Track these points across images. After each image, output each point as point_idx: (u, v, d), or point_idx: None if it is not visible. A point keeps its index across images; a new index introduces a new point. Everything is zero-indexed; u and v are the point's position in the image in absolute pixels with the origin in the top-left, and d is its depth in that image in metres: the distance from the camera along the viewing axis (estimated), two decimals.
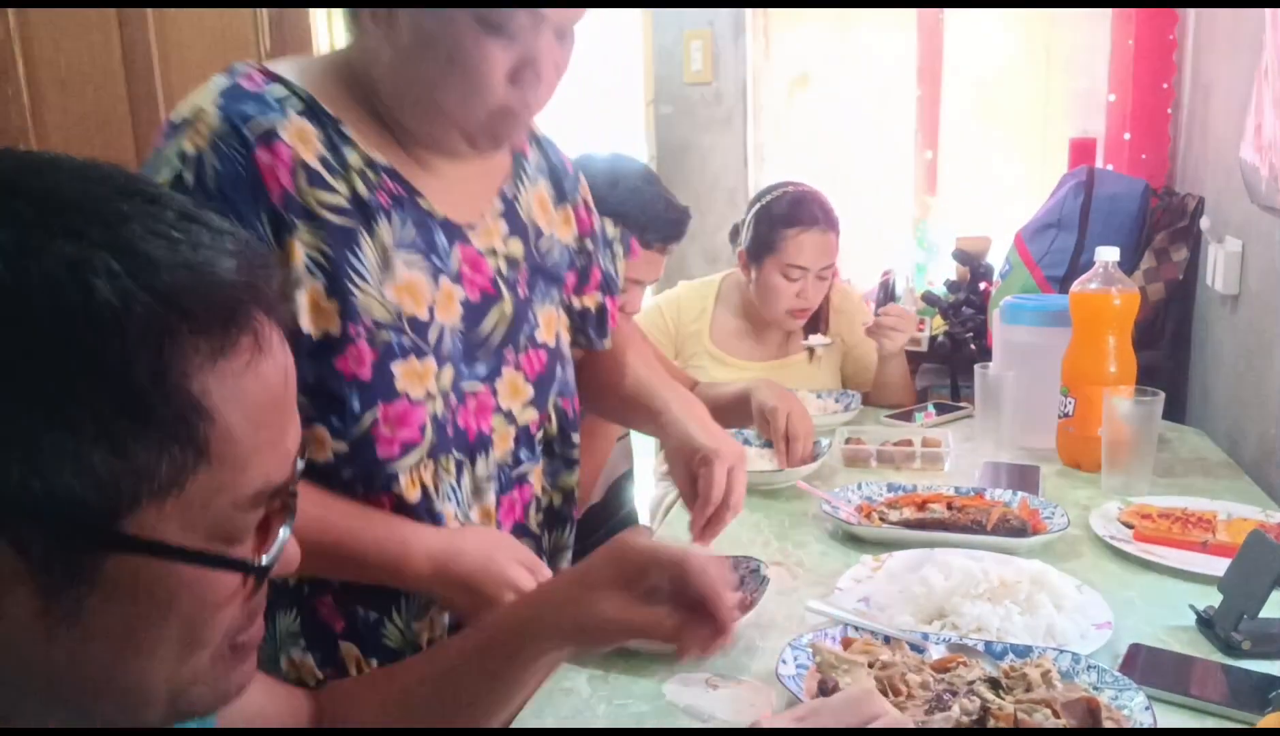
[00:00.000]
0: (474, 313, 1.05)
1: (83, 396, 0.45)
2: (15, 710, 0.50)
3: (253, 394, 0.51)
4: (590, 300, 1.24)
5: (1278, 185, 1.61)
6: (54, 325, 0.45)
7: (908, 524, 1.39)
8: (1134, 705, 0.90)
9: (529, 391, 1.11)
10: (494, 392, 1.08)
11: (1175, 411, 2.18)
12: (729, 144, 3.08)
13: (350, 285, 0.94)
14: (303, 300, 0.92)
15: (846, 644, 1.03)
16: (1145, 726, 0.88)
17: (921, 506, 1.44)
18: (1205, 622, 1.10)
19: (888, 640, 1.03)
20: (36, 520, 0.45)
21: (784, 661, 0.98)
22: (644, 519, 2.04)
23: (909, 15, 2.95)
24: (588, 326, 1.25)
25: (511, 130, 1.01)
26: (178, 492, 0.48)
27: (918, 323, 2.10)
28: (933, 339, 2.61)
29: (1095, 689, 0.93)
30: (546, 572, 1.05)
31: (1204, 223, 2.18)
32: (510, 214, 1.10)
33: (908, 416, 2.03)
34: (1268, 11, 1.67)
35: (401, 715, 0.80)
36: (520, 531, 1.14)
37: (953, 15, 2.92)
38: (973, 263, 2.67)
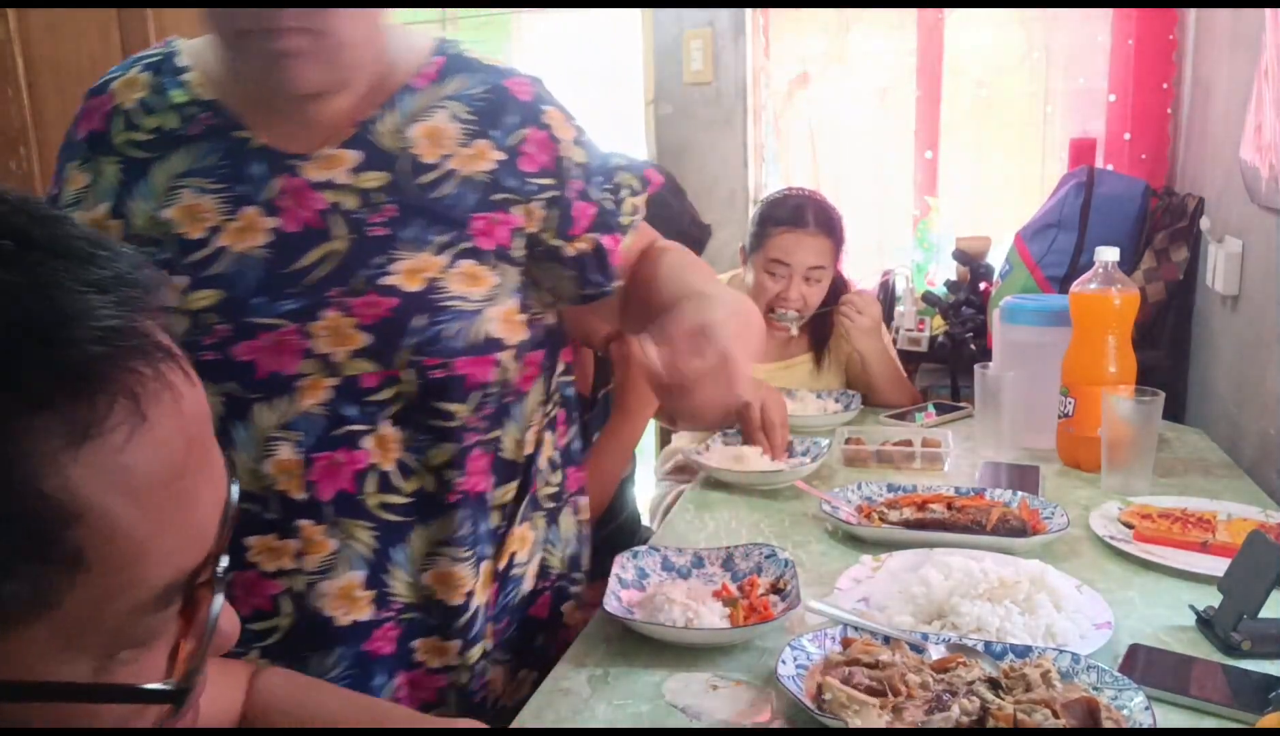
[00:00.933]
0: (288, 244, 0.98)
1: None
2: None
3: (140, 471, 0.39)
4: (585, 243, 1.09)
5: (1278, 185, 1.61)
6: None
7: (907, 524, 1.39)
8: (1134, 705, 0.90)
9: (361, 339, 0.97)
10: (304, 333, 0.97)
11: (1175, 411, 2.18)
12: (729, 144, 3.08)
13: (128, 205, 1.00)
14: (86, 218, 1.00)
15: (846, 643, 1.03)
16: (1145, 726, 0.88)
17: (921, 506, 1.43)
18: (1205, 622, 1.10)
19: (887, 640, 1.03)
20: None
21: (784, 661, 0.98)
22: (644, 519, 2.04)
23: (909, 15, 2.94)
24: (588, 271, 1.11)
25: (274, 47, 0.91)
26: (45, 614, 0.38)
27: (874, 302, 2.11)
28: (933, 339, 2.61)
29: (1095, 689, 0.93)
30: None
31: (1204, 223, 2.18)
32: (366, 144, 1.01)
33: (908, 416, 2.04)
34: (1268, 11, 1.67)
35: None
36: (351, 505, 1.00)
37: (953, 15, 2.92)
38: (973, 263, 2.67)
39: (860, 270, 3.10)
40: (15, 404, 0.36)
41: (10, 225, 0.39)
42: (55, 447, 0.37)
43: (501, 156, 1.04)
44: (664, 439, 2.40)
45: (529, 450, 1.12)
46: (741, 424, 1.71)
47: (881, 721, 0.89)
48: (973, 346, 2.54)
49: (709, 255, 2.90)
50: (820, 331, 2.16)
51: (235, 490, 0.48)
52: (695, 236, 1.66)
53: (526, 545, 1.15)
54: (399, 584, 1.03)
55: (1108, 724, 0.87)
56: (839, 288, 2.17)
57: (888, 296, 2.78)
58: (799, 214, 2.05)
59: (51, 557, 0.37)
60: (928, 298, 2.66)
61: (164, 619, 0.43)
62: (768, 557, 1.26)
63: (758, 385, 1.73)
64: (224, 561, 0.45)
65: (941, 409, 2.07)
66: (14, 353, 0.36)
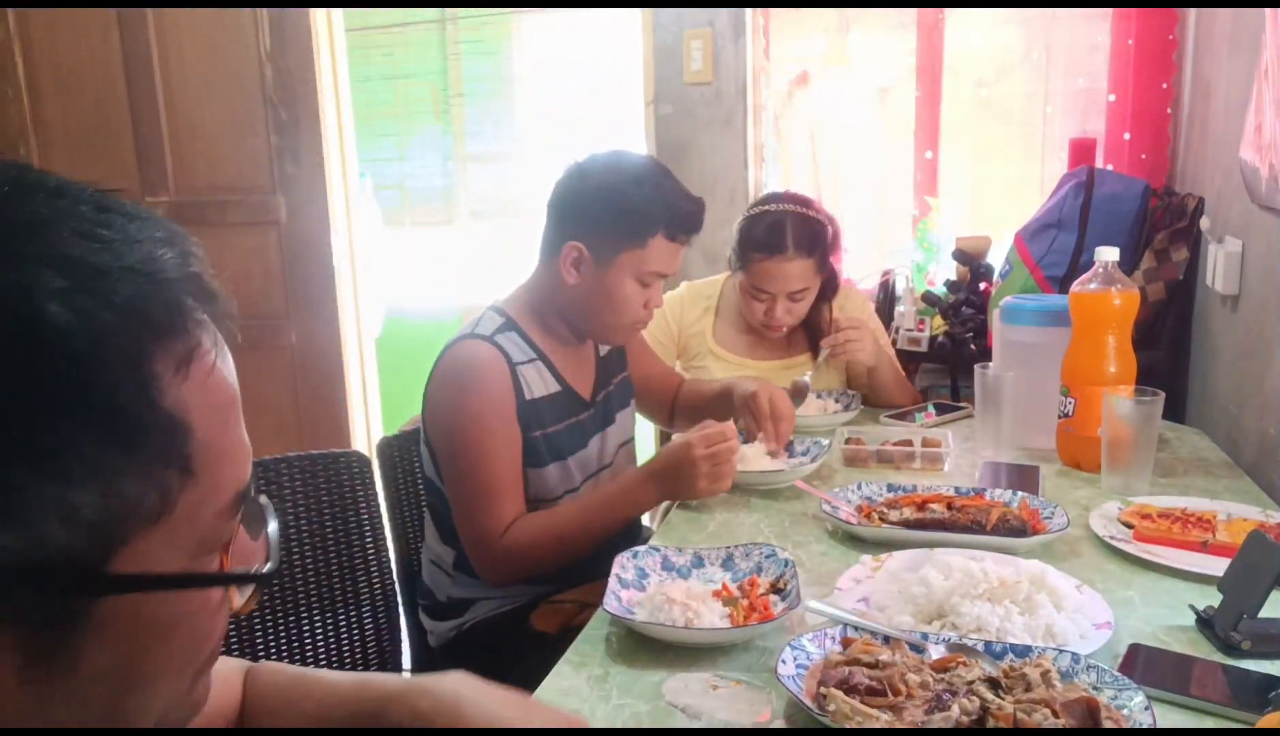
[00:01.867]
0: None
1: (64, 436, 0.40)
2: None
3: (218, 395, 0.47)
4: None
5: (1278, 185, 1.61)
6: (19, 360, 0.40)
7: (907, 524, 1.39)
8: (1134, 705, 0.90)
9: None
10: None
11: (1175, 411, 2.18)
12: (729, 144, 3.08)
13: None
14: None
15: (846, 643, 1.03)
16: (1145, 726, 0.88)
17: (921, 506, 1.44)
18: (1205, 622, 1.10)
19: (887, 640, 1.03)
20: (20, 578, 0.41)
21: (784, 661, 0.98)
22: (644, 519, 2.04)
23: (909, 15, 2.94)
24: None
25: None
26: (166, 516, 0.45)
27: (862, 323, 2.07)
28: (933, 339, 2.61)
29: (1095, 689, 0.93)
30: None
31: (1204, 223, 2.18)
32: None
33: (908, 416, 2.04)
34: (1268, 11, 1.67)
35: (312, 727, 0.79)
36: None
37: (953, 15, 2.92)
38: (973, 263, 2.67)
39: (860, 270, 3.10)
40: (145, 334, 0.43)
41: (88, 194, 0.45)
42: (169, 371, 0.44)
43: None
44: (663, 439, 2.40)
45: None
46: (750, 414, 1.72)
47: (882, 722, 0.89)
48: (973, 346, 2.54)
49: (710, 255, 2.91)
50: (814, 329, 2.16)
51: None
52: (692, 210, 1.64)
53: None
54: None
55: (1108, 723, 0.87)
56: (832, 285, 2.16)
57: (888, 296, 2.77)
58: (777, 238, 1.99)
59: (172, 464, 0.44)
60: (928, 298, 2.66)
61: (232, 525, 0.50)
62: (768, 557, 1.26)
63: (766, 383, 1.76)
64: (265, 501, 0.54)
65: (941, 409, 2.07)
66: (137, 292, 0.43)
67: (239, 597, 0.52)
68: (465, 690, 0.72)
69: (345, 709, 0.77)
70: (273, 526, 0.54)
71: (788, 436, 1.72)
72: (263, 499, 0.54)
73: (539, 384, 1.61)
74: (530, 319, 1.65)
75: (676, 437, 1.56)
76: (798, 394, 2.00)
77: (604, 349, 1.79)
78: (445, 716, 0.70)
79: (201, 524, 0.47)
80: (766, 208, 2.06)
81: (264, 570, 0.52)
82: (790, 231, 2.00)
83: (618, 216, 1.57)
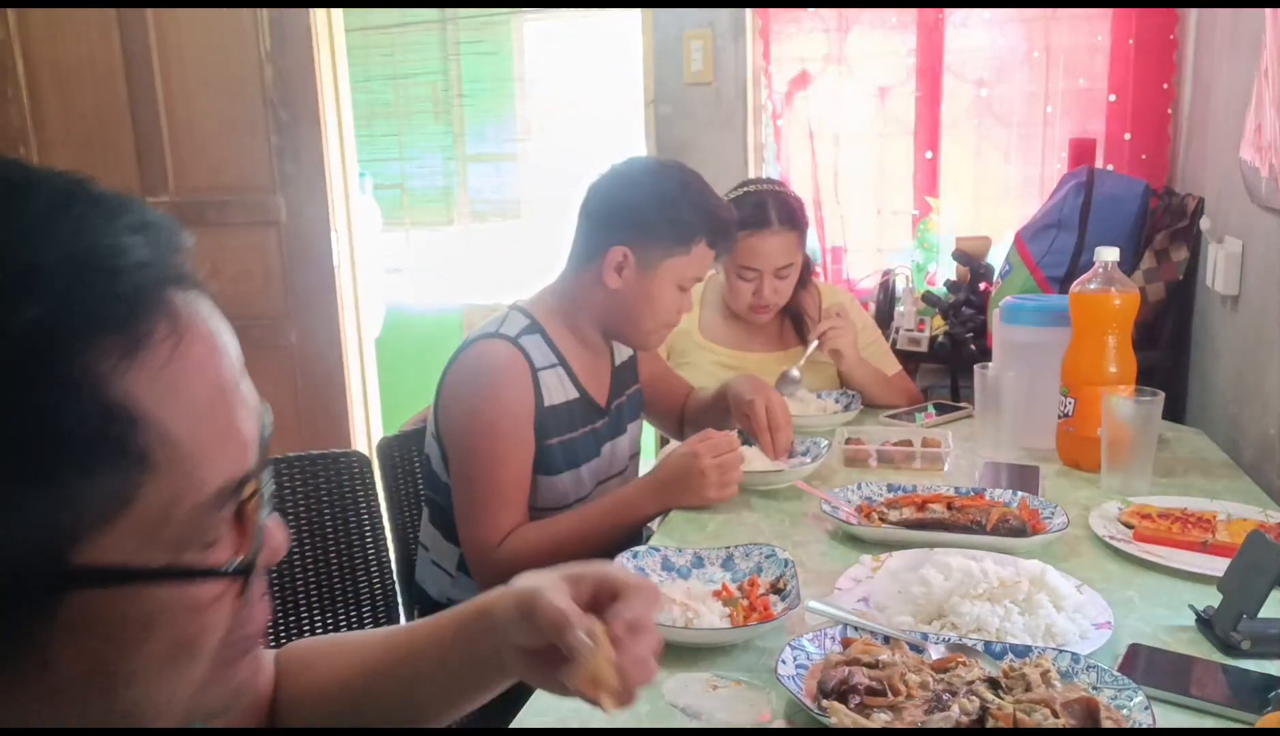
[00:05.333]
0: None
1: None
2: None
3: (185, 385, 0.46)
4: None
5: (1278, 185, 1.61)
6: None
7: (907, 524, 1.39)
8: (1133, 705, 0.90)
9: None
10: None
11: (1175, 411, 2.18)
12: (729, 144, 3.08)
13: None
14: None
15: (846, 643, 1.03)
16: (1145, 726, 0.88)
17: (921, 506, 1.44)
18: (1205, 622, 1.10)
19: (887, 640, 1.03)
20: None
21: (783, 661, 0.98)
22: None
23: (909, 15, 2.94)
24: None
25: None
26: (126, 511, 0.44)
27: (844, 313, 2.08)
28: (933, 339, 2.61)
29: (1095, 689, 0.93)
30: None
31: (1204, 223, 2.18)
32: None
33: (908, 416, 2.04)
34: (1268, 11, 1.67)
35: (354, 696, 0.78)
36: None
37: (953, 15, 2.92)
38: (973, 263, 2.67)
39: (860, 270, 3.10)
40: (79, 326, 0.42)
41: (52, 185, 0.45)
42: (113, 362, 0.43)
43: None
44: (663, 439, 2.40)
45: None
46: (747, 423, 1.72)
47: (881, 722, 0.89)
48: (973, 346, 2.54)
49: None
50: (803, 320, 2.16)
51: (269, 417, 0.53)
52: (730, 219, 1.68)
53: None
54: None
55: (1107, 723, 0.87)
56: (808, 269, 2.17)
57: (888, 296, 2.77)
58: (761, 213, 2.02)
59: (125, 456, 0.43)
60: (928, 298, 2.66)
61: (220, 521, 0.48)
62: (768, 557, 1.26)
63: (762, 387, 1.75)
64: (269, 483, 0.52)
65: (941, 409, 2.07)
66: (73, 284, 0.42)
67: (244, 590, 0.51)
68: (540, 582, 0.70)
69: (450, 624, 0.76)
70: (266, 518, 0.52)
71: (788, 445, 1.71)
72: (264, 481, 0.52)
73: (558, 390, 1.61)
74: (557, 322, 1.65)
75: (679, 448, 1.56)
76: (786, 383, 2.01)
77: (619, 359, 1.78)
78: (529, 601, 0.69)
79: (176, 520, 0.46)
80: (745, 189, 2.10)
81: (231, 567, 0.49)
82: (772, 207, 2.03)
83: (667, 224, 1.59)
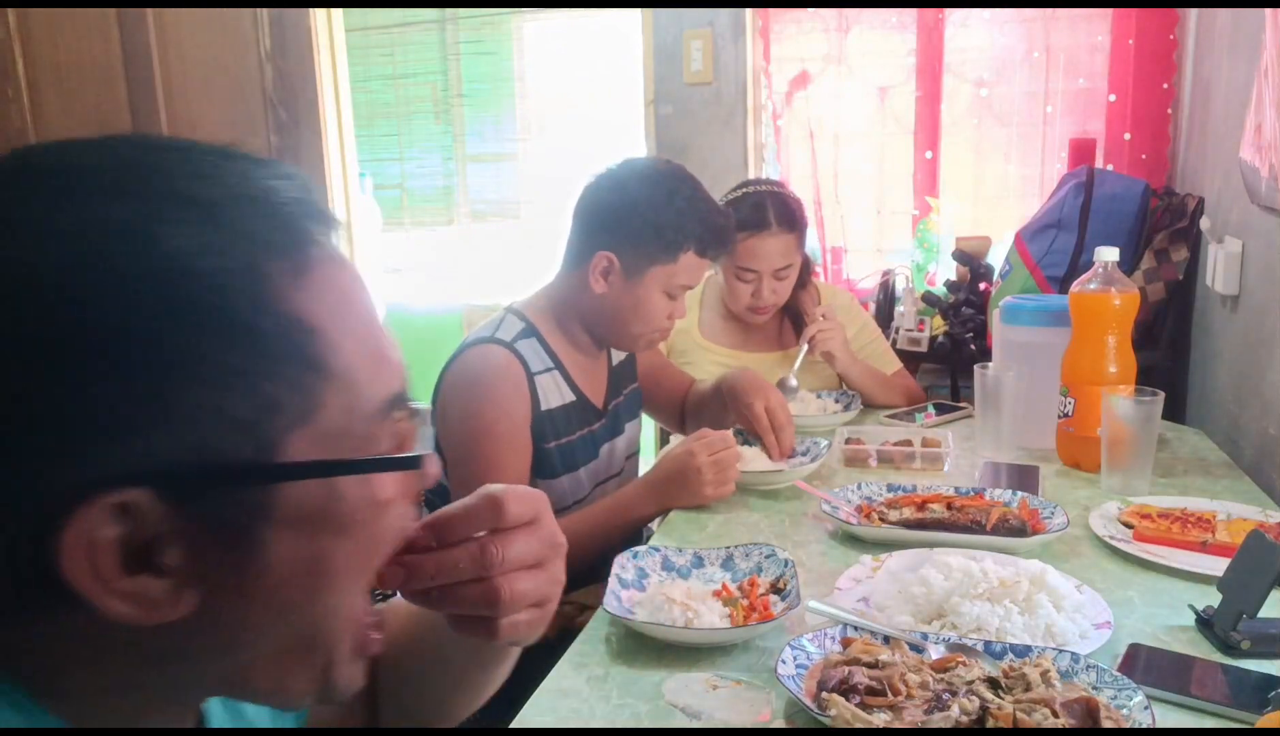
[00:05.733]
0: None
1: (195, 345, 0.46)
2: (188, 686, 0.53)
3: (342, 305, 0.51)
4: None
5: (1278, 185, 1.61)
6: (144, 283, 0.45)
7: (907, 524, 1.39)
8: (1133, 705, 0.90)
9: None
10: None
11: (1175, 411, 2.18)
12: (729, 144, 3.08)
13: None
14: None
15: (846, 643, 1.03)
16: (1145, 726, 0.88)
17: (921, 506, 1.44)
18: (1204, 622, 1.10)
19: (887, 640, 1.03)
20: (194, 474, 0.46)
21: (783, 661, 0.98)
22: None
23: (909, 15, 2.94)
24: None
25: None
26: (314, 416, 0.49)
27: (832, 314, 2.08)
28: (933, 339, 2.61)
29: (1094, 688, 0.93)
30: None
31: (1204, 223, 2.18)
32: None
33: (908, 416, 2.04)
34: (1268, 11, 1.67)
35: (410, 642, 0.79)
36: None
37: (953, 15, 2.92)
38: (973, 263, 2.67)
39: (860, 270, 3.10)
40: (259, 251, 0.48)
41: (213, 145, 0.52)
42: (288, 282, 0.49)
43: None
44: (663, 439, 2.40)
45: None
46: (750, 425, 1.71)
47: (881, 722, 0.89)
48: (973, 346, 2.54)
49: None
50: (802, 321, 2.16)
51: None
52: (724, 225, 1.65)
53: None
54: None
55: (1107, 723, 0.87)
56: (807, 269, 2.17)
57: (888, 296, 2.77)
58: (760, 215, 2.01)
59: (307, 363, 0.49)
60: (928, 298, 2.65)
61: (385, 434, 0.53)
62: (768, 557, 1.26)
63: (762, 386, 1.74)
64: (419, 406, 0.57)
65: (941, 409, 2.07)
66: (244, 215, 0.48)
67: (408, 498, 0.56)
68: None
69: None
70: (422, 427, 0.57)
71: (790, 445, 1.71)
72: (416, 405, 0.56)
73: (555, 394, 1.61)
74: (551, 325, 1.65)
75: (675, 448, 1.56)
76: (782, 391, 2.01)
77: (617, 359, 1.78)
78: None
79: (352, 427, 0.51)
80: (745, 190, 2.09)
81: (404, 458, 0.54)
82: (771, 208, 2.02)
83: (652, 232, 1.57)
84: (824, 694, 0.92)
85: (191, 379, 0.45)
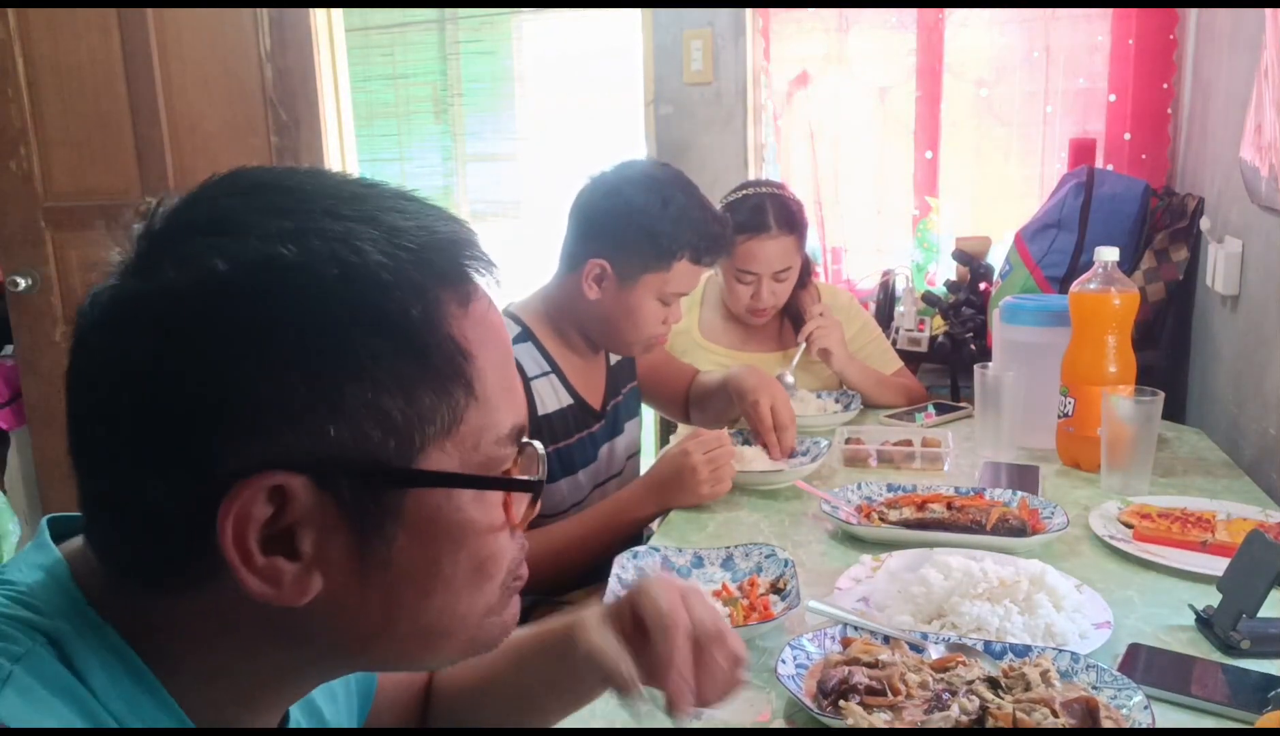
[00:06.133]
0: None
1: (374, 349, 0.50)
2: (310, 668, 0.57)
3: (491, 337, 0.56)
4: None
5: (1278, 185, 1.61)
6: (341, 288, 0.50)
7: (907, 524, 1.39)
8: (1133, 704, 0.90)
9: None
10: None
11: (1175, 411, 2.18)
12: (729, 144, 3.08)
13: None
14: None
15: (846, 643, 1.03)
16: (1144, 726, 0.88)
17: (921, 506, 1.44)
18: (1204, 622, 1.10)
19: (887, 640, 1.03)
20: (347, 468, 0.50)
21: (783, 661, 0.99)
22: None
23: (909, 15, 2.94)
24: None
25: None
26: (455, 431, 0.53)
27: (828, 312, 2.08)
28: (933, 339, 2.61)
29: (1094, 688, 0.93)
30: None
31: (1204, 223, 2.18)
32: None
33: (907, 416, 2.04)
34: (1268, 11, 1.67)
35: (486, 688, 0.88)
36: None
37: (953, 15, 2.92)
38: (973, 263, 2.67)
39: (860, 270, 3.10)
40: (433, 277, 0.53)
41: (393, 188, 0.57)
42: (454, 309, 0.54)
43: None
44: (664, 439, 2.40)
45: None
46: (752, 423, 1.72)
47: (881, 722, 0.89)
48: (973, 346, 2.54)
49: None
50: (800, 317, 2.16)
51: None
52: (719, 233, 1.64)
53: None
54: None
55: (1107, 723, 0.87)
56: (807, 270, 2.17)
57: (888, 296, 2.77)
58: (759, 217, 2.00)
59: (460, 382, 0.53)
60: (928, 298, 2.65)
61: (510, 454, 0.57)
62: (768, 557, 1.26)
63: (767, 383, 1.74)
64: (539, 445, 0.61)
65: (941, 409, 2.07)
66: (427, 245, 0.53)
67: (518, 522, 0.59)
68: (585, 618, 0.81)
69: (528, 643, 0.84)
70: (541, 452, 0.61)
71: (791, 445, 1.71)
72: (537, 444, 0.61)
73: (551, 398, 1.61)
74: (547, 328, 1.65)
75: (671, 448, 1.56)
76: None
77: (614, 358, 1.78)
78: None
79: (484, 447, 0.55)
80: (745, 192, 2.08)
81: (523, 484, 0.58)
82: (771, 211, 2.02)
83: (646, 240, 1.56)
84: (842, 703, 0.92)
85: (366, 379, 0.50)
